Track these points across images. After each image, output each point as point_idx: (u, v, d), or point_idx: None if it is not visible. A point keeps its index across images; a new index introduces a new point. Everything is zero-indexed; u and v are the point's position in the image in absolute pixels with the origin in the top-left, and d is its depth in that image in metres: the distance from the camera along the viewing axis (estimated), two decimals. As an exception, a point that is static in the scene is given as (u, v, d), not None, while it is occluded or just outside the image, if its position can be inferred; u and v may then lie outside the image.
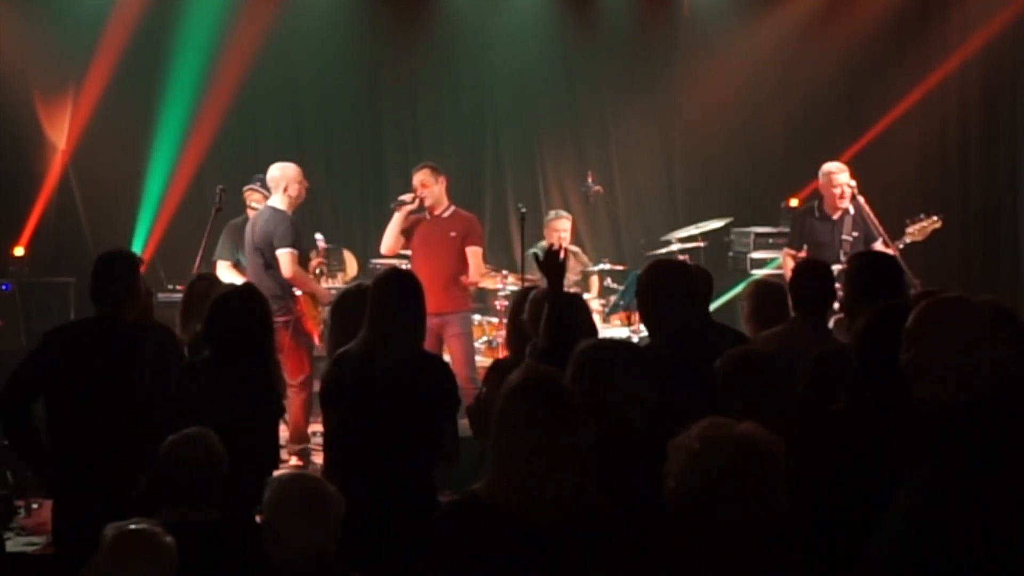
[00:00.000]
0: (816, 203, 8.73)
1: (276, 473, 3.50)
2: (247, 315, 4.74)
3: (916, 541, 2.77)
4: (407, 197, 8.51)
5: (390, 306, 4.75)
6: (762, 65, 11.34)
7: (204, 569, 3.68)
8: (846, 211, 8.53)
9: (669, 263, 5.15)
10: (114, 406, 4.80)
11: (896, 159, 9.77)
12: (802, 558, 2.87)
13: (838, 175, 8.59)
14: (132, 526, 3.39)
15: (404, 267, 8.34)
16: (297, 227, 8.00)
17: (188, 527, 3.73)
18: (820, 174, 8.73)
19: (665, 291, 4.67)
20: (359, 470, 4.60)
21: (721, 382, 3.67)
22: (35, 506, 6.70)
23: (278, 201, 8.10)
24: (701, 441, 2.77)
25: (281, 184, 8.13)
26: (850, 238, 8.46)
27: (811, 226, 8.66)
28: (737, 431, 2.77)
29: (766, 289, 5.91)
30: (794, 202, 10.54)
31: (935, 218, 8.65)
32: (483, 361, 8.97)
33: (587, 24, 11.47)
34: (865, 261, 5.03)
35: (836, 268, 7.66)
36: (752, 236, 10.10)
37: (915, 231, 8.60)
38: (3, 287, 9.01)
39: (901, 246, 8.44)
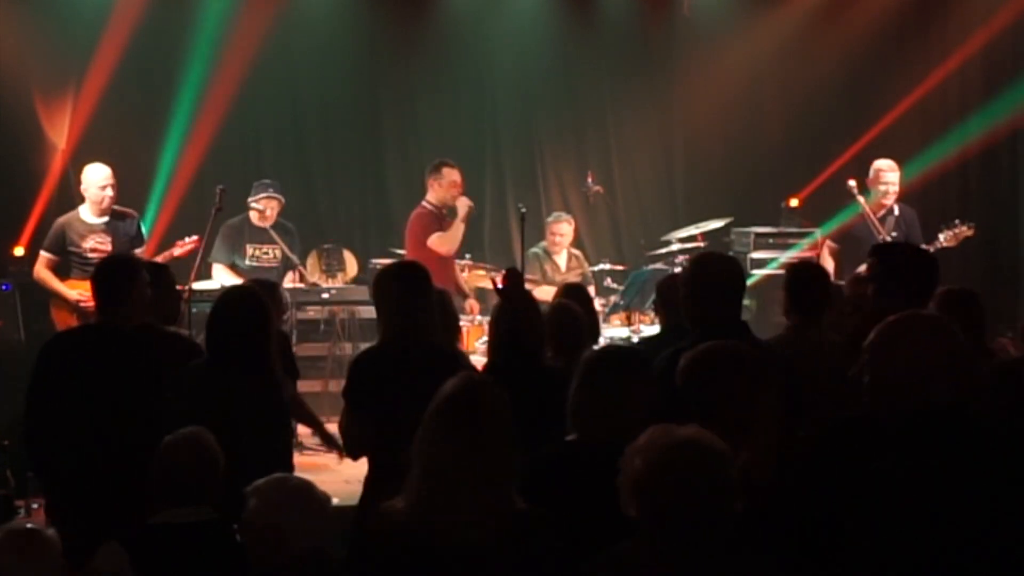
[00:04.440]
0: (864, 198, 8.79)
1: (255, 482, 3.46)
2: (245, 318, 4.71)
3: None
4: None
5: (404, 300, 4.68)
6: (762, 65, 11.34)
7: (203, 569, 3.68)
8: (890, 211, 8.57)
9: (718, 256, 5.02)
10: (110, 412, 4.77)
11: (896, 159, 9.76)
12: (761, 558, 2.90)
13: (887, 173, 8.70)
14: (14, 527, 3.38)
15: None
16: (60, 233, 8.27)
17: (186, 527, 3.73)
18: (871, 169, 8.82)
19: (711, 284, 4.54)
20: (390, 471, 4.58)
21: (681, 382, 3.59)
22: (35, 506, 6.70)
23: (83, 204, 8.39)
24: (648, 448, 2.82)
25: (82, 185, 8.40)
26: (889, 239, 8.48)
27: (853, 220, 8.74)
28: (678, 435, 2.83)
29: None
30: (794, 202, 10.57)
31: (966, 227, 8.68)
32: (483, 361, 8.96)
33: (587, 24, 11.46)
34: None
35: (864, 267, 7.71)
36: (752, 236, 10.11)
37: (949, 237, 8.62)
38: (3, 287, 9.00)
39: (932, 251, 8.45)
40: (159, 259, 8.23)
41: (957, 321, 3.46)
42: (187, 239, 8.63)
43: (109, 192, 8.31)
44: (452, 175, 8.85)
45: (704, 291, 4.47)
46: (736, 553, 2.84)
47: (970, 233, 8.68)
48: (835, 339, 4.92)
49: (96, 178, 8.32)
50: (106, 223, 8.32)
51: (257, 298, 4.88)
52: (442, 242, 8.68)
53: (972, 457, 3.01)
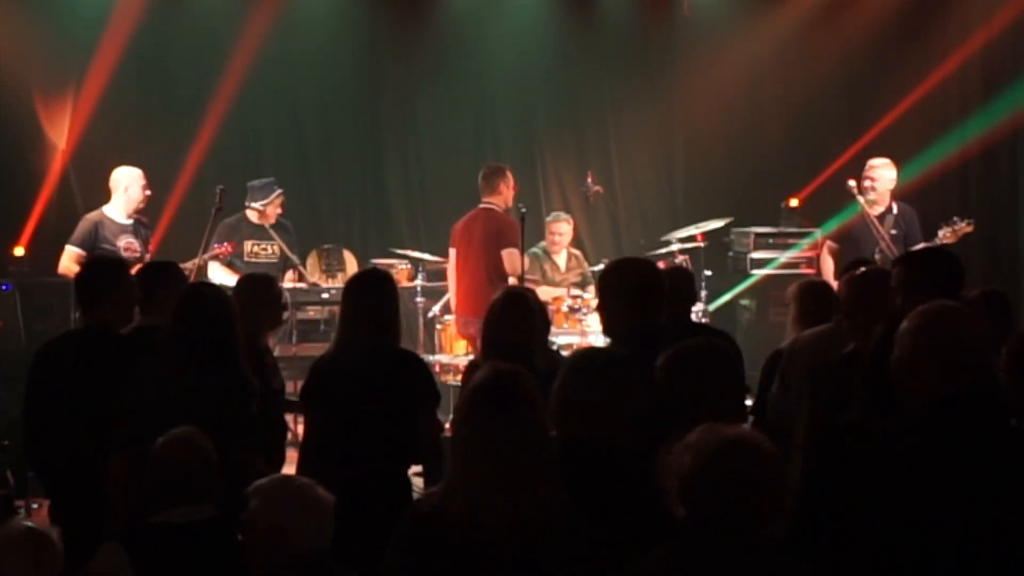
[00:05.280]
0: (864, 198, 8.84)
1: (257, 482, 3.46)
2: (212, 313, 4.66)
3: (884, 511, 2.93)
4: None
5: (354, 307, 4.81)
6: (762, 65, 11.34)
7: (203, 568, 3.69)
8: (889, 209, 8.62)
9: (626, 262, 5.14)
10: (103, 413, 4.75)
11: (896, 159, 9.77)
12: (807, 559, 2.90)
13: (869, 171, 8.84)
14: (17, 526, 3.38)
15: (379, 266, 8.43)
16: (92, 230, 8.26)
17: (186, 527, 3.74)
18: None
19: (615, 292, 4.68)
20: (331, 473, 4.62)
21: (659, 379, 3.67)
22: (35, 506, 6.70)
23: (111, 204, 8.37)
24: (698, 446, 2.85)
25: (122, 185, 8.36)
26: (887, 236, 8.50)
27: (853, 220, 8.79)
28: (728, 433, 2.86)
29: (811, 289, 5.74)
30: (794, 202, 10.57)
31: (965, 223, 8.69)
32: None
33: (587, 24, 11.46)
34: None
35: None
36: (752, 236, 10.11)
37: (948, 234, 8.62)
38: (3, 287, 9.00)
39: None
40: (198, 261, 8.36)
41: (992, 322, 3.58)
42: (225, 244, 8.75)
43: (147, 192, 8.44)
44: (512, 177, 8.77)
45: (610, 299, 4.64)
46: (784, 554, 2.85)
47: (969, 229, 8.68)
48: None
49: (137, 177, 8.41)
50: (132, 225, 8.39)
51: (220, 295, 4.84)
52: (514, 263, 8.35)
53: (986, 455, 3.01)
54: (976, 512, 2.93)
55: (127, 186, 8.37)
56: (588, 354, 3.77)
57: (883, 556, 2.97)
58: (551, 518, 3.06)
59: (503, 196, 8.63)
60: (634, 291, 4.64)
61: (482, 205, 8.62)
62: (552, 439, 3.21)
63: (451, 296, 8.85)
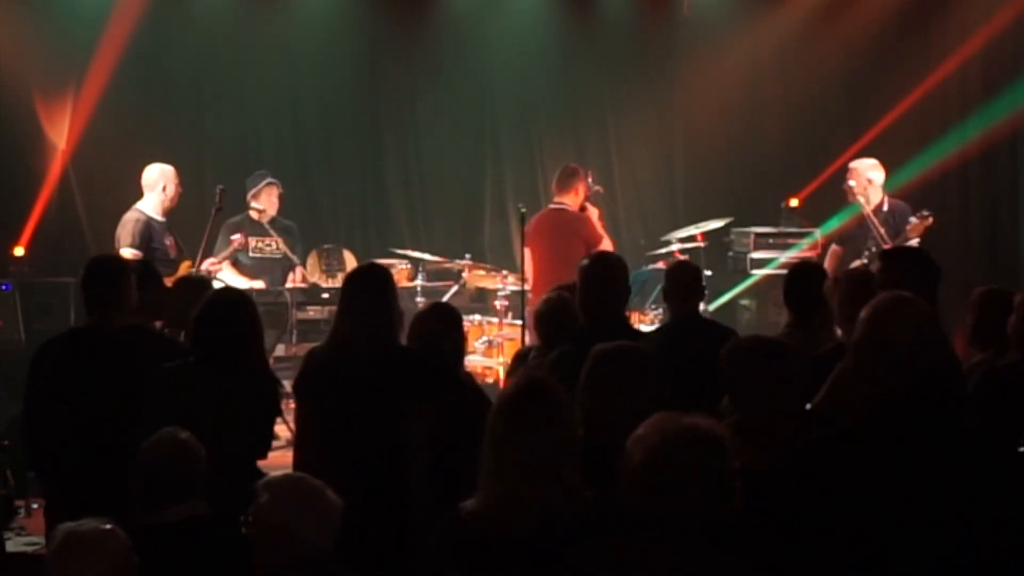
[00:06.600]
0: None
1: (269, 477, 3.50)
2: (236, 318, 4.70)
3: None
4: None
5: (350, 302, 4.80)
6: (762, 65, 11.34)
7: (204, 565, 3.69)
8: (880, 207, 8.64)
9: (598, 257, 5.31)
10: (106, 413, 4.76)
11: (896, 159, 9.77)
12: (751, 556, 2.93)
13: (848, 173, 8.76)
14: (81, 525, 3.38)
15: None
16: (146, 231, 8.10)
17: (185, 524, 3.74)
18: None
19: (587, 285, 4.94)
20: (328, 469, 4.62)
21: (723, 371, 3.72)
22: (35, 506, 6.70)
23: (147, 202, 8.26)
24: (647, 436, 2.88)
25: (159, 184, 8.27)
26: (877, 235, 8.54)
27: (853, 220, 8.83)
28: (679, 423, 2.89)
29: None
30: (794, 202, 10.56)
31: (924, 214, 8.68)
32: (483, 361, 8.98)
33: (587, 24, 11.47)
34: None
35: (856, 263, 7.79)
36: (752, 236, 10.11)
37: (911, 230, 8.63)
38: (3, 287, 9.01)
39: (905, 244, 8.49)
40: (223, 257, 8.45)
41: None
42: (239, 235, 8.78)
43: (180, 190, 8.37)
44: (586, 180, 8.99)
45: (584, 292, 4.86)
46: (729, 550, 2.86)
47: (930, 222, 8.66)
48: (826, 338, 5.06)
49: (173, 175, 8.34)
50: (167, 223, 8.34)
51: (244, 298, 4.91)
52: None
53: (946, 454, 3.07)
54: (921, 513, 2.97)
55: (164, 185, 8.29)
56: (611, 355, 3.77)
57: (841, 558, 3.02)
58: (581, 513, 3.11)
59: (579, 197, 8.88)
60: (604, 287, 4.89)
61: (552, 205, 8.87)
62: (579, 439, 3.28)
63: (530, 293, 8.89)
